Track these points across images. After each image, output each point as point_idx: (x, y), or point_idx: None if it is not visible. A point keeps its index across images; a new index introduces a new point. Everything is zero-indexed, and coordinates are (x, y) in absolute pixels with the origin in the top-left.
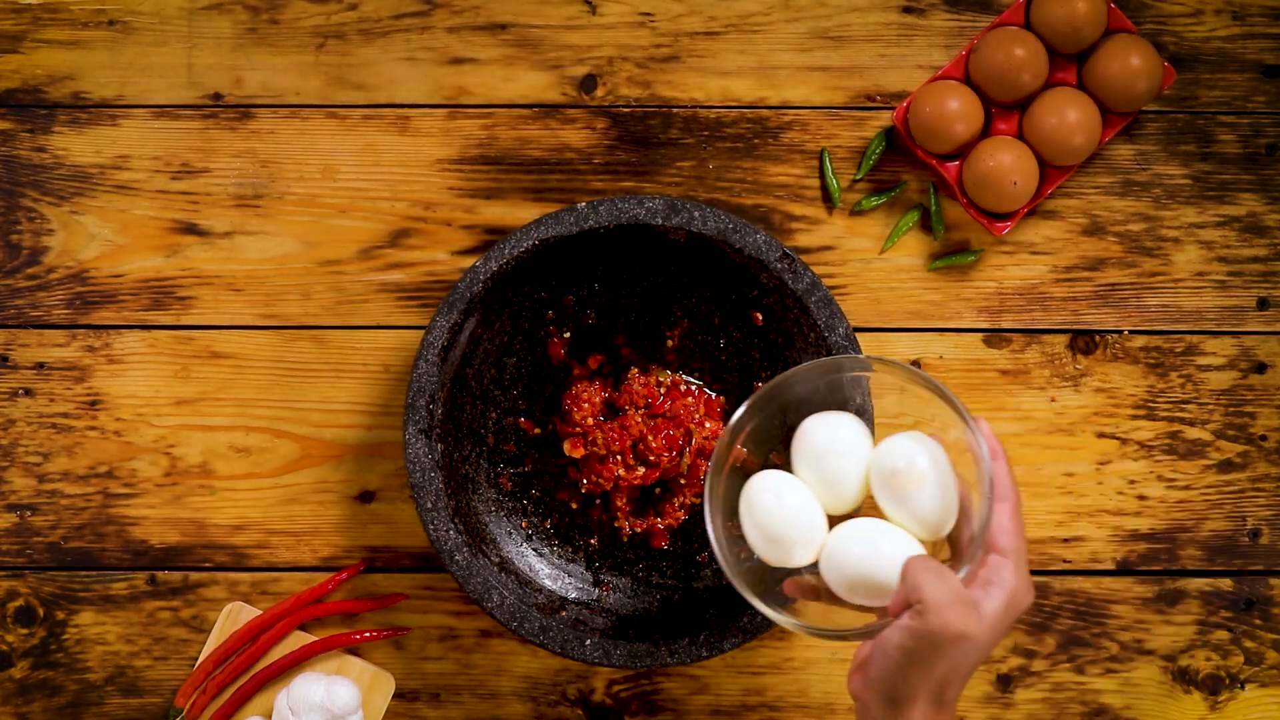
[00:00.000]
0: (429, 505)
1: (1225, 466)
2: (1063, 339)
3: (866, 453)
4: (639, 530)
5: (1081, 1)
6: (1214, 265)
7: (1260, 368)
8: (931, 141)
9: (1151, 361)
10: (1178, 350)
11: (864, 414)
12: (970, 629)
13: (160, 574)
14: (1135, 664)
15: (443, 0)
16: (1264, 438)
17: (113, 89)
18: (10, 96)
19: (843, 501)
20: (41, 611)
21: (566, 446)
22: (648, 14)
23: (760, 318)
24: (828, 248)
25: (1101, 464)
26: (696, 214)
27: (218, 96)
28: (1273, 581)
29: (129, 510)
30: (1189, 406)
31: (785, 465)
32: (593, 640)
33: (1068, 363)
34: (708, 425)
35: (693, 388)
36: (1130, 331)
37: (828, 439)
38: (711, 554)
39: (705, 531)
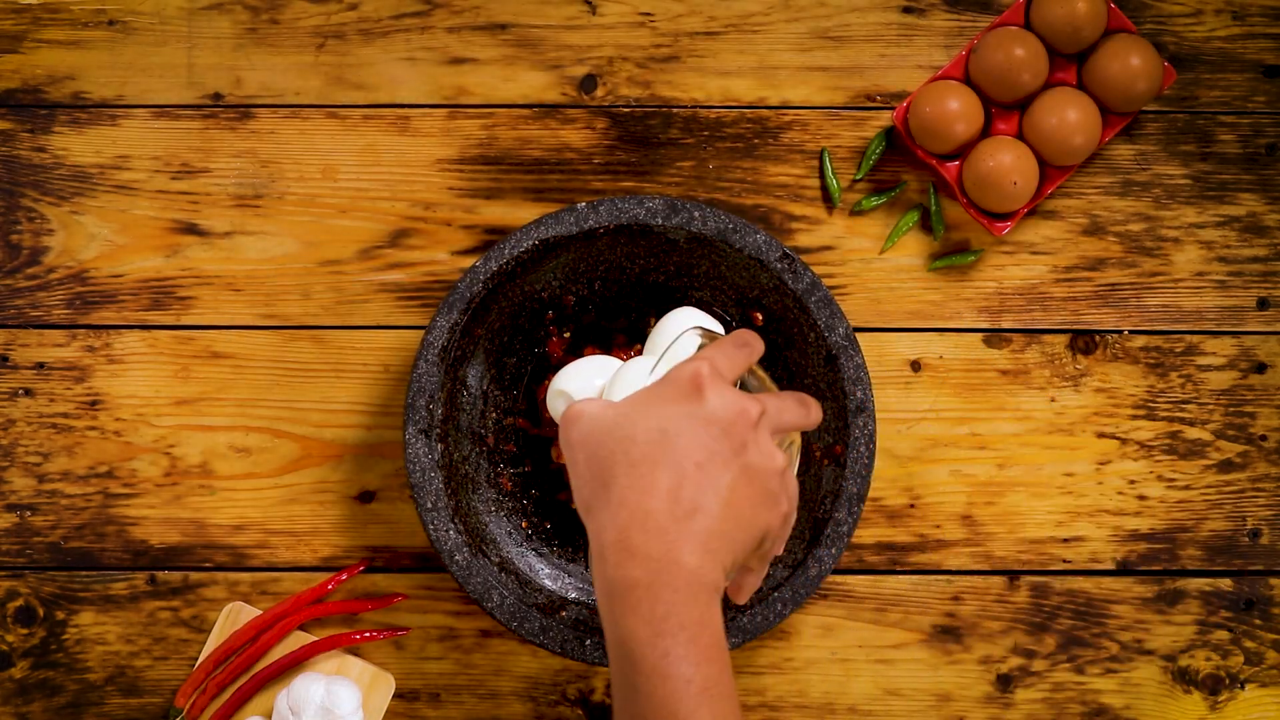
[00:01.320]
0: (429, 505)
1: (1225, 466)
2: (1063, 339)
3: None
4: None
5: (1081, 1)
6: (1214, 265)
7: (1260, 368)
8: (931, 141)
9: (1151, 361)
10: (1178, 350)
11: (864, 409)
12: (577, 407)
13: (160, 574)
14: (1135, 664)
15: (443, 0)
16: (1264, 438)
17: (113, 89)
18: (10, 96)
19: None
20: (41, 611)
21: (555, 453)
22: (648, 14)
23: (760, 318)
24: (828, 248)
25: (1101, 464)
26: (696, 214)
27: (218, 96)
28: (1273, 581)
29: (129, 510)
30: (1189, 406)
31: None
32: (593, 640)
33: (1068, 363)
34: None
35: None
36: (1130, 331)
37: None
38: None
39: None
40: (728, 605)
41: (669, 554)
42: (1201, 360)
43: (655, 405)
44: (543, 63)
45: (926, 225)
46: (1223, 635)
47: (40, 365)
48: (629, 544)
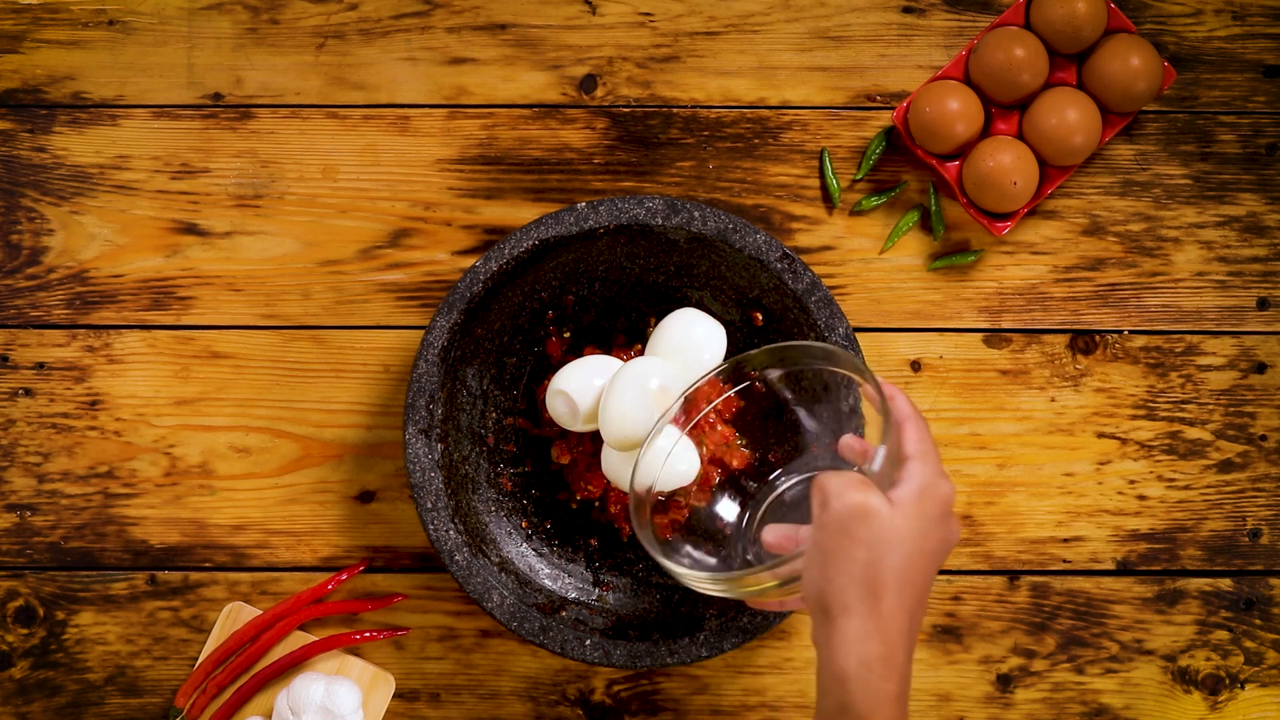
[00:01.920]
0: (429, 505)
1: (1225, 466)
2: (1063, 339)
3: (719, 344)
4: None
5: (1081, 1)
6: (1214, 265)
7: (1260, 368)
8: (931, 141)
9: (1151, 361)
10: (1178, 350)
11: (854, 414)
12: (873, 504)
13: (160, 574)
14: (1135, 664)
15: (443, 0)
16: (1264, 438)
17: (113, 89)
18: (10, 96)
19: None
20: (41, 611)
21: (554, 452)
22: (648, 14)
23: (760, 318)
24: (828, 248)
25: (1101, 464)
26: (696, 214)
27: (218, 96)
28: (1273, 581)
29: (129, 510)
30: (1189, 406)
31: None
32: (593, 640)
33: (1068, 363)
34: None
35: None
36: (1130, 331)
37: (685, 333)
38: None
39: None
40: (730, 605)
41: (907, 667)
42: (1201, 360)
43: (930, 526)
44: (543, 63)
45: (926, 225)
46: (1223, 635)
47: (40, 365)
48: (893, 660)
